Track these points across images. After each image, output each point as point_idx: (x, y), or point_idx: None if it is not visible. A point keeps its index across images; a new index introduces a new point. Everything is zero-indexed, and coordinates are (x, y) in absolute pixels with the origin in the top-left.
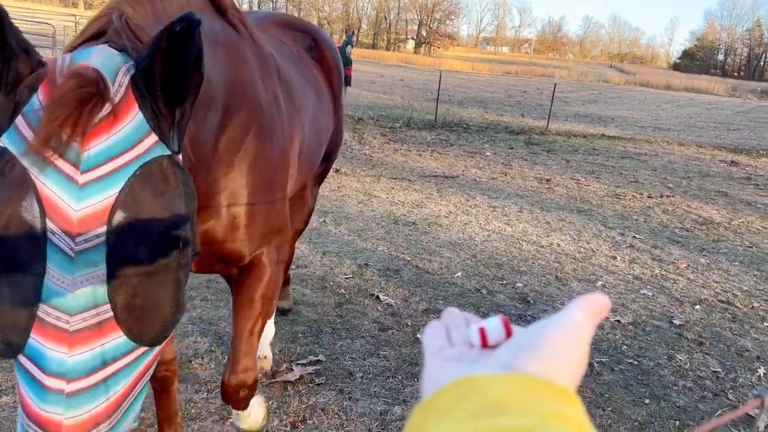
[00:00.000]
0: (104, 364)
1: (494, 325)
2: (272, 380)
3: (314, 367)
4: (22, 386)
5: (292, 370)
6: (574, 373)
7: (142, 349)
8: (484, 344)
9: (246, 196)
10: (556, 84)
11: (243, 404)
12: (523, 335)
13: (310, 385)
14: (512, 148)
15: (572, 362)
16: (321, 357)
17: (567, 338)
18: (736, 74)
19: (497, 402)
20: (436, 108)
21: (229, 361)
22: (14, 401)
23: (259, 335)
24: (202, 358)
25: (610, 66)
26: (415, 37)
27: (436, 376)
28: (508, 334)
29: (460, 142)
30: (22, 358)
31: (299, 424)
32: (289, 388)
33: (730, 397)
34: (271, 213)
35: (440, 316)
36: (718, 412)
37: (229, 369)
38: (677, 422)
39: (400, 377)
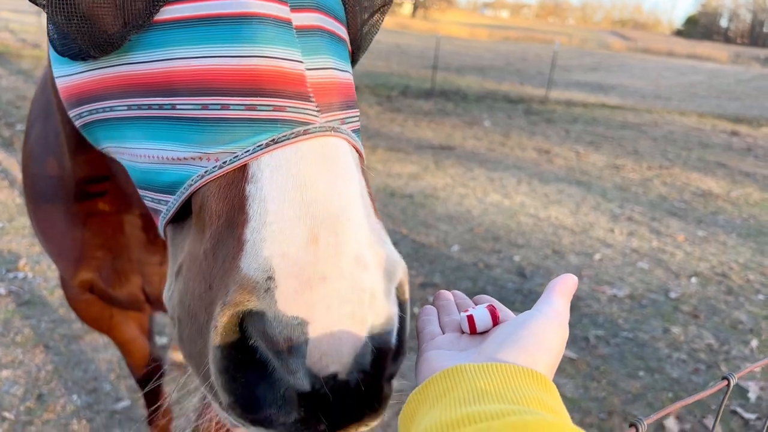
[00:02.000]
0: (324, 8)
1: (482, 312)
2: None
3: None
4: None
5: None
6: (553, 360)
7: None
8: (473, 331)
9: None
10: (556, 52)
11: None
12: (507, 327)
13: None
14: (511, 118)
15: (552, 351)
16: None
17: (548, 329)
18: (739, 41)
19: (481, 390)
20: (433, 76)
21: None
22: (15, 375)
23: None
24: None
25: (612, 32)
26: (412, 1)
27: (429, 363)
28: (495, 321)
29: (458, 111)
30: None
31: None
32: None
33: (723, 369)
34: None
35: (433, 299)
36: (710, 384)
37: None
38: (671, 394)
39: None
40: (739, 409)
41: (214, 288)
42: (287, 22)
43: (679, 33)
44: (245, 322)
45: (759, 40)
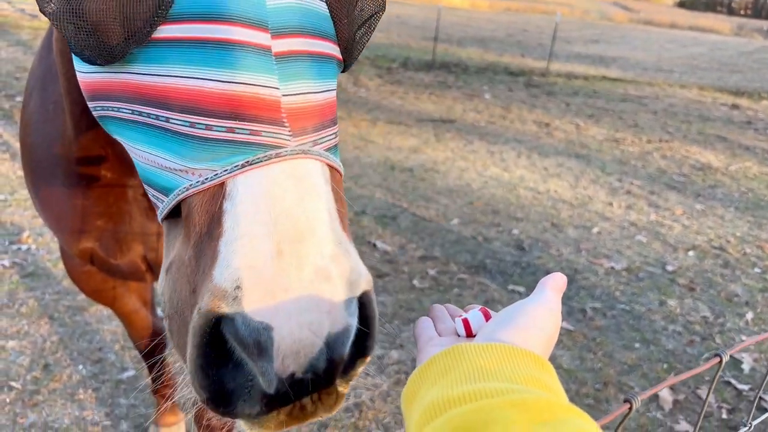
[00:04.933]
0: (307, 30)
1: (476, 314)
2: None
3: None
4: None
5: None
6: (547, 343)
7: (335, 50)
8: (469, 333)
9: None
10: (557, 23)
11: None
12: (503, 312)
13: None
14: (512, 91)
15: (546, 333)
16: None
17: (540, 313)
18: (742, 12)
19: (481, 368)
20: (434, 47)
21: None
22: (21, 346)
23: None
24: None
25: (614, 3)
26: None
27: (429, 354)
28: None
29: (459, 84)
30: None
31: None
32: None
33: (718, 341)
34: None
35: (427, 311)
36: (705, 356)
37: None
38: (665, 365)
39: (397, 322)
40: (733, 381)
41: (197, 293)
42: (267, 50)
43: (681, 4)
44: (222, 325)
45: (762, 12)
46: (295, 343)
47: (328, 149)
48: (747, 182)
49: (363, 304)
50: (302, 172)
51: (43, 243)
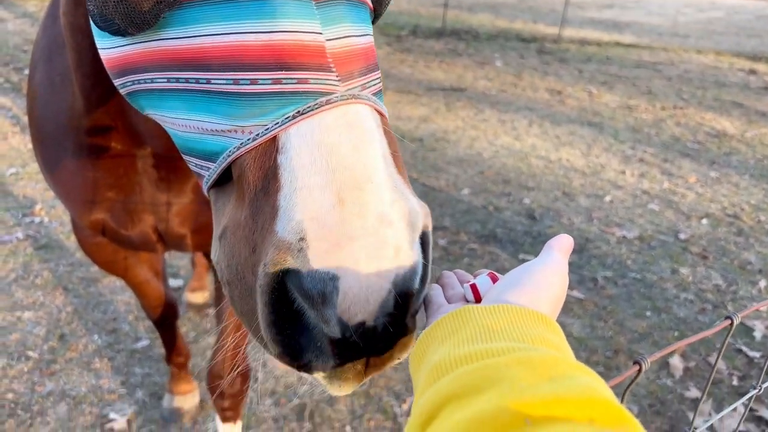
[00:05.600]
0: None
1: (484, 280)
2: None
3: None
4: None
5: None
6: (554, 303)
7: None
8: (477, 298)
9: None
10: None
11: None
12: (510, 275)
13: None
14: (523, 58)
15: (552, 293)
16: None
17: (548, 274)
18: None
19: (488, 328)
20: (444, 14)
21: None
22: (36, 316)
23: None
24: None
25: None
26: None
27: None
28: None
29: (470, 51)
30: None
31: None
32: None
33: (729, 308)
34: None
35: (437, 278)
36: (715, 323)
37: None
38: (676, 333)
39: None
40: (744, 348)
41: (257, 251)
42: None
43: None
44: (286, 279)
45: None
46: (363, 290)
47: (374, 94)
48: (763, 149)
49: (422, 241)
50: (354, 117)
51: (55, 215)
